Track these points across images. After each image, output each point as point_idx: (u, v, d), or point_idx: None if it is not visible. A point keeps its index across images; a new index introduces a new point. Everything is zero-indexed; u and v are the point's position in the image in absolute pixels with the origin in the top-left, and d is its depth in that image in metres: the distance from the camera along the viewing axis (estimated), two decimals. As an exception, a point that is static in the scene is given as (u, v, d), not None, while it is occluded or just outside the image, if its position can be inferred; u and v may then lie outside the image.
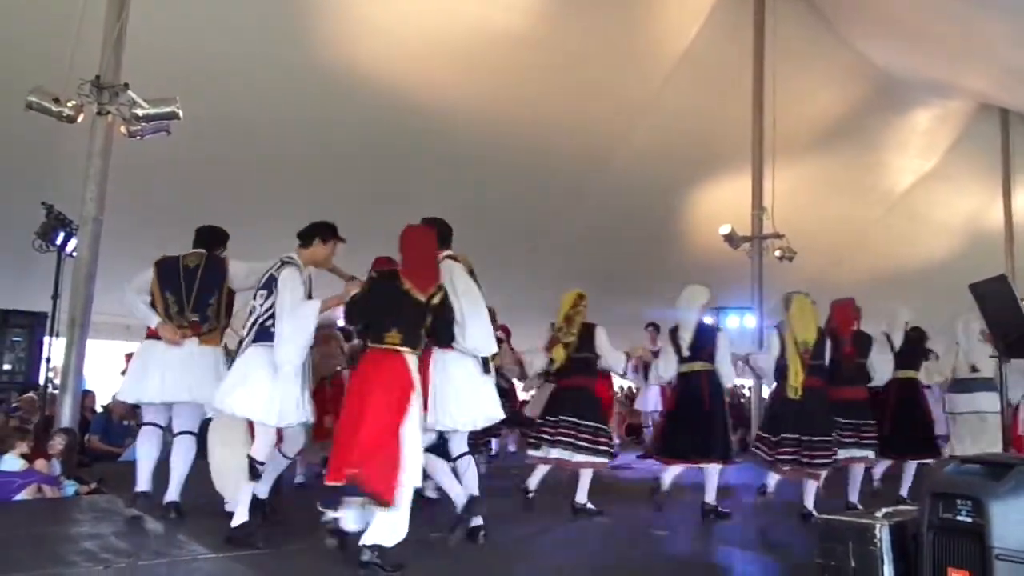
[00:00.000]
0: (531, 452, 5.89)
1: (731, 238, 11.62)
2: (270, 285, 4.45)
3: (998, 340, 5.40)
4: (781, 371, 5.90)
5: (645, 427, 11.03)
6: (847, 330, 6.31)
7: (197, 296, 5.00)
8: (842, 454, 6.08)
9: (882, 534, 2.87)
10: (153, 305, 4.96)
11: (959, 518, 2.68)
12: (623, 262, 13.35)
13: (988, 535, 2.55)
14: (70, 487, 5.94)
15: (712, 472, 5.82)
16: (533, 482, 5.84)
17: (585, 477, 5.83)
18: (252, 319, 4.52)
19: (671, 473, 5.94)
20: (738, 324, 13.61)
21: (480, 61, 10.47)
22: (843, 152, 14.40)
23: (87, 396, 8.41)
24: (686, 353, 5.85)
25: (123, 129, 7.02)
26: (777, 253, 11.71)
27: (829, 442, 5.85)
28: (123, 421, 8.92)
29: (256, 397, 4.31)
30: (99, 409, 9.21)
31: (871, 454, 6.30)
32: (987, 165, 16.08)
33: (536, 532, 5.31)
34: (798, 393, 5.73)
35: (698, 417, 5.79)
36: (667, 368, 5.97)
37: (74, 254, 7.36)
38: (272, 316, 4.38)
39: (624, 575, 4.41)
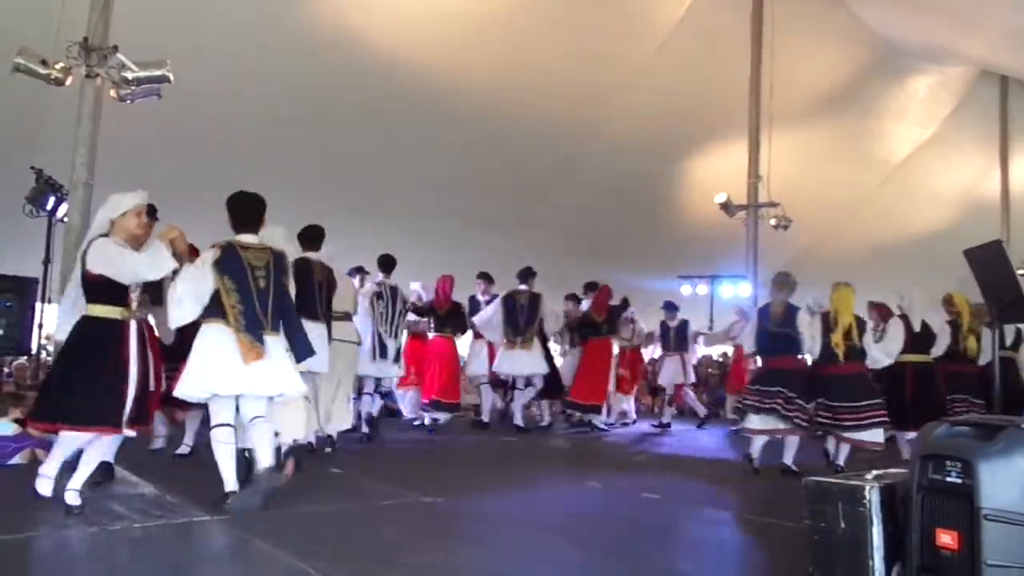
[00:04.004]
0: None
1: (727, 206, 11.58)
2: None
3: (992, 305, 5.40)
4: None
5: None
6: None
7: None
8: None
9: (872, 495, 2.85)
10: None
11: (948, 479, 2.65)
12: (617, 228, 13.28)
13: (977, 495, 2.52)
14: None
15: None
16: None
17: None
18: None
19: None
20: (732, 293, 13.55)
21: (476, 25, 10.35)
22: (841, 120, 14.31)
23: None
24: None
25: (113, 93, 6.94)
26: (772, 222, 11.68)
27: None
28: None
29: None
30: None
31: None
32: (985, 133, 16.00)
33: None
34: None
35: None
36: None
37: (65, 219, 7.32)
38: None
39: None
